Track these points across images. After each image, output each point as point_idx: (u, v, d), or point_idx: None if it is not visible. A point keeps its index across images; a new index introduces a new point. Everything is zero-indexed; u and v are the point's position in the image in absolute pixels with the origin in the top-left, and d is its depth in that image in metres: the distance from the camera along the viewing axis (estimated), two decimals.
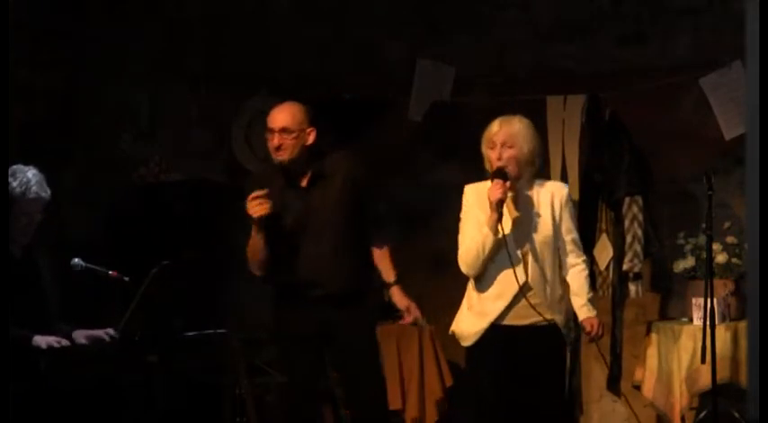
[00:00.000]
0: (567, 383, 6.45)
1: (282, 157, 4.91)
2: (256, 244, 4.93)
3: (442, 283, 6.73)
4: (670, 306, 6.77)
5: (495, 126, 4.71)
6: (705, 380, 5.92)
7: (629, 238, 6.53)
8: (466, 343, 4.79)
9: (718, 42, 6.50)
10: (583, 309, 4.76)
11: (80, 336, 4.77)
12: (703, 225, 5.92)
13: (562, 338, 4.77)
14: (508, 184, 4.62)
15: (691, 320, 6.28)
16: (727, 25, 6.41)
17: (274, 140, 4.90)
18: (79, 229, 6.98)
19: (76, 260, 4.96)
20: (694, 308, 6.20)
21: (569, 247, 4.76)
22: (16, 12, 5.61)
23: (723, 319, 6.11)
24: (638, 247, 6.53)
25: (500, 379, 4.70)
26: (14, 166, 4.78)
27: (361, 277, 5.06)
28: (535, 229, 4.70)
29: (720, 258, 6.28)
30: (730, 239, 6.38)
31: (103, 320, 4.89)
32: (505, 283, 4.67)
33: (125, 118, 7.43)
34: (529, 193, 4.75)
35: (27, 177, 4.75)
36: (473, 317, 4.76)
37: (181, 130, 7.39)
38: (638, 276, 6.59)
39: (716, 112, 6.47)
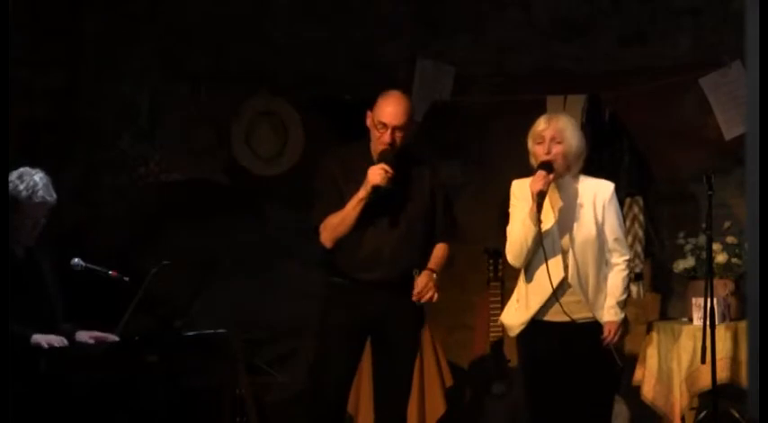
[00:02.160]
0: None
1: (393, 151, 4.99)
2: (351, 213, 4.95)
3: (440, 283, 6.73)
4: (670, 306, 6.76)
5: (542, 122, 4.75)
6: (705, 380, 5.92)
7: (629, 239, 6.53)
8: (512, 333, 4.89)
9: (719, 42, 6.50)
10: (610, 311, 4.78)
11: (85, 336, 4.76)
12: (703, 225, 5.92)
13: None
14: (551, 176, 4.64)
15: (691, 320, 6.27)
16: (727, 25, 6.41)
17: (386, 137, 4.99)
18: (79, 229, 6.97)
19: (76, 260, 4.95)
20: (694, 308, 6.20)
21: (612, 246, 4.78)
22: (16, 12, 5.60)
23: (723, 319, 6.10)
24: (638, 248, 6.54)
25: (542, 371, 4.76)
26: (22, 169, 4.75)
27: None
28: (577, 226, 4.73)
29: (720, 258, 6.27)
30: (730, 239, 6.37)
31: (103, 320, 4.89)
32: (545, 279, 4.70)
33: (125, 117, 7.42)
34: (574, 187, 4.78)
35: (34, 181, 4.72)
36: (519, 308, 4.84)
37: (181, 130, 7.38)
38: (638, 277, 6.58)
39: (716, 112, 6.46)
